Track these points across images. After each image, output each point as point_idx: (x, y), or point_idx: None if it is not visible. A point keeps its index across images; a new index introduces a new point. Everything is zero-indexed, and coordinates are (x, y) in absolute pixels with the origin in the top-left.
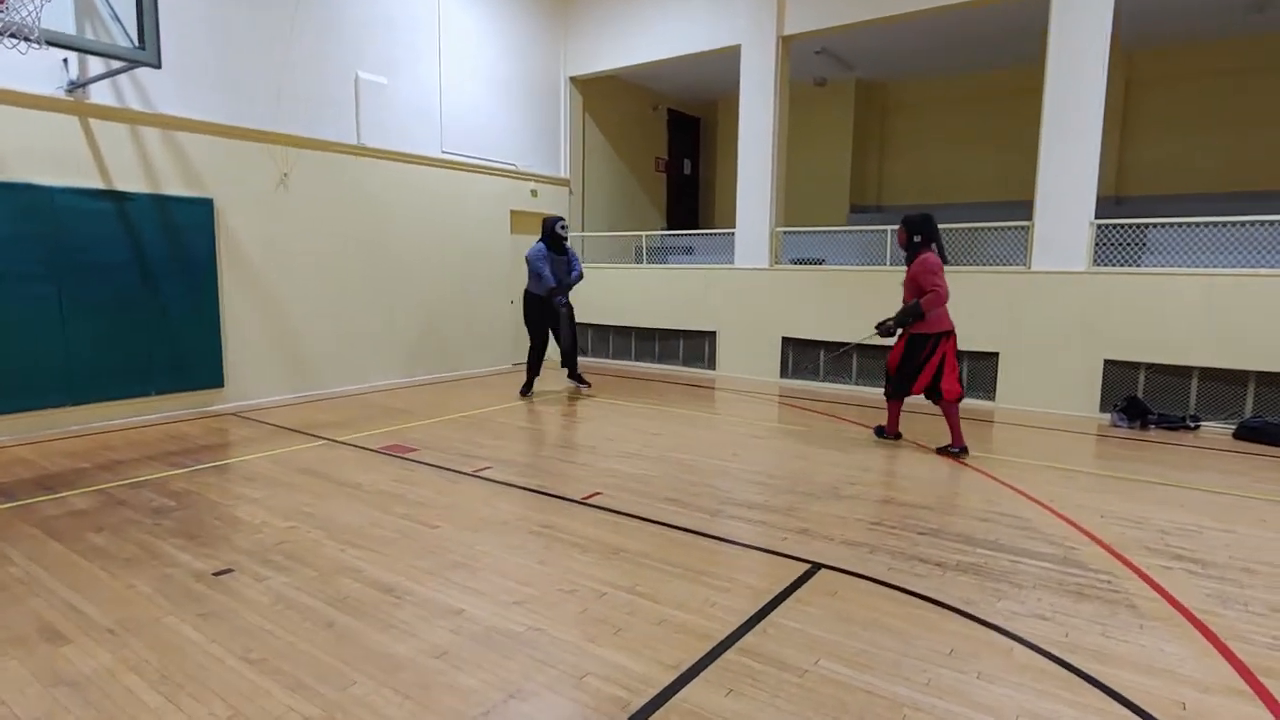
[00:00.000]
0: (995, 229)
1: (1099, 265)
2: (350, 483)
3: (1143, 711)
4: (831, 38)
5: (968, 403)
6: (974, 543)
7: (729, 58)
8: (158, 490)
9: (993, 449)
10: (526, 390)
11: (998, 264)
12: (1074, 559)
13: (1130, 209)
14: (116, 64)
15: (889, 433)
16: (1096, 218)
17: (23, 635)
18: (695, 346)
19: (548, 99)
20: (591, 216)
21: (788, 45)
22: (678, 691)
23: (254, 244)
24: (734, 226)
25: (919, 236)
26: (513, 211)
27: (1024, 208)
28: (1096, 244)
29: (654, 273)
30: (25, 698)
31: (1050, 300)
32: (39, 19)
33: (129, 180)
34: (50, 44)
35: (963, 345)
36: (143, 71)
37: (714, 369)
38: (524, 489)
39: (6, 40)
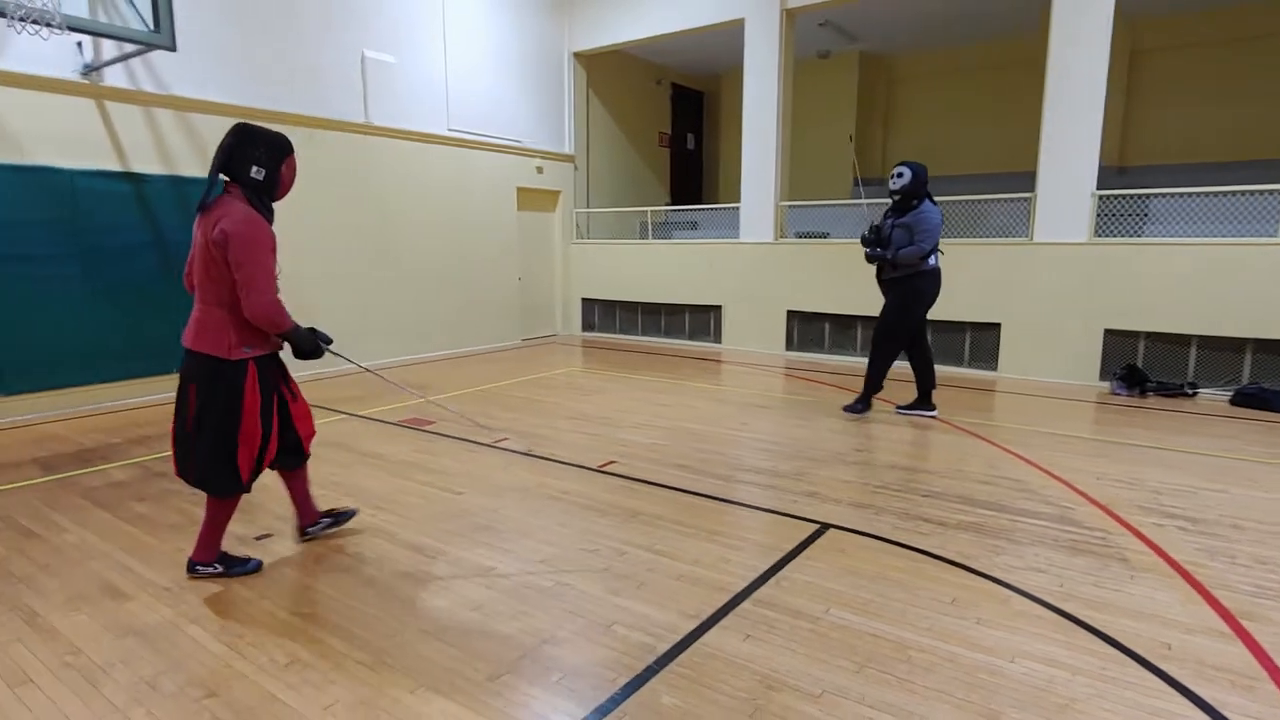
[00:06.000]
0: (997, 201)
1: (1100, 236)
2: (374, 454)
3: (1130, 651)
4: (835, 10)
5: (971, 372)
6: (974, 504)
7: (733, 32)
8: None
9: (994, 417)
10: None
11: (1000, 236)
12: (1070, 518)
13: (1133, 179)
14: (130, 47)
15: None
16: (1099, 188)
17: (87, 593)
18: (701, 320)
19: (552, 75)
20: (596, 192)
21: (792, 18)
22: (699, 637)
23: None
24: (738, 201)
25: None
26: (519, 188)
27: (1026, 179)
28: (1098, 215)
29: (659, 248)
30: (100, 646)
31: (1052, 271)
32: (60, 3)
33: (145, 162)
34: (71, 29)
35: (966, 316)
36: (155, 53)
37: (720, 342)
38: (541, 458)
39: (29, 26)
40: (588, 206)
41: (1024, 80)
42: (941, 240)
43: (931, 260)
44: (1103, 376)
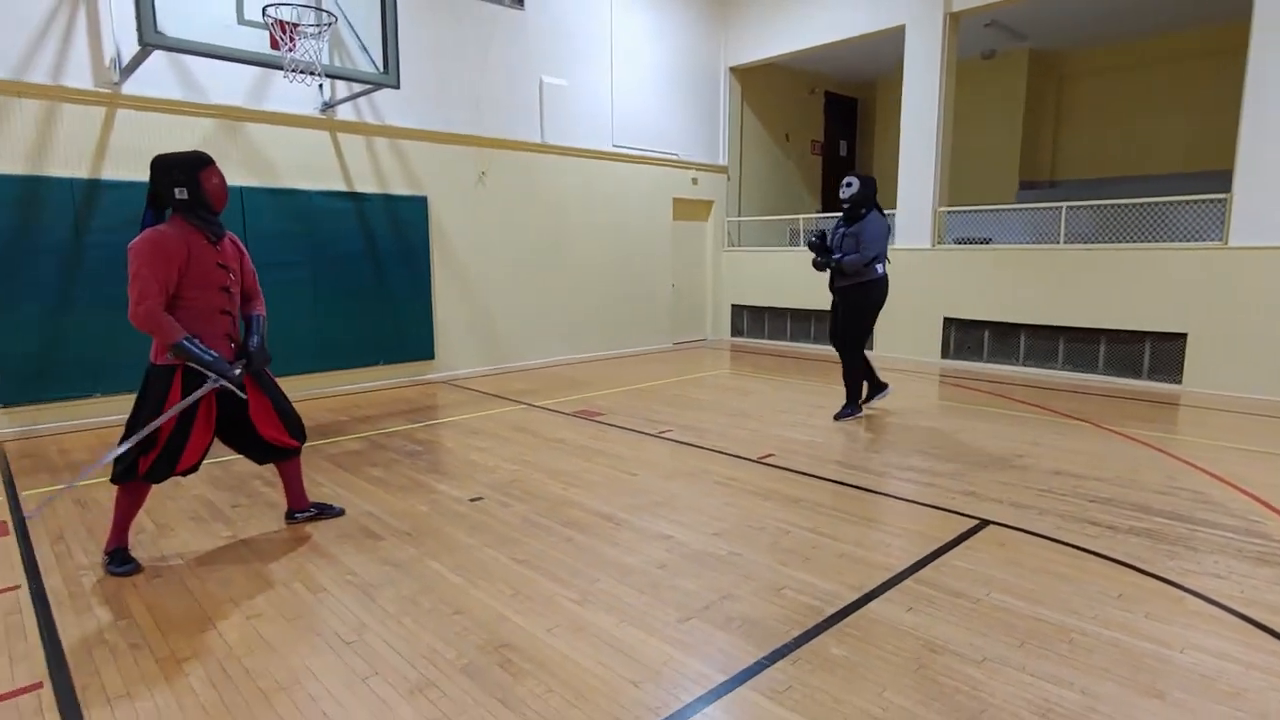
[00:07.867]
0: (1185, 203)
1: None
2: (555, 438)
3: None
4: (1003, 9)
5: (1150, 385)
6: (1149, 511)
7: (892, 37)
8: (406, 439)
9: (1176, 430)
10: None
11: (1187, 239)
12: (1257, 530)
13: None
14: (359, 86)
15: None
16: None
17: (350, 534)
18: None
19: (708, 90)
20: (748, 201)
21: (956, 21)
22: (863, 605)
23: (457, 235)
24: (893, 207)
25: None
26: (675, 199)
27: (1216, 178)
28: None
29: (810, 255)
30: (368, 570)
31: (1251, 277)
32: (321, 56)
33: (365, 183)
34: (330, 76)
35: (1146, 325)
36: (379, 90)
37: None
38: (704, 449)
39: (299, 76)
40: (739, 215)
41: (1214, 72)
42: (1105, 245)
43: (879, 268)
44: None
